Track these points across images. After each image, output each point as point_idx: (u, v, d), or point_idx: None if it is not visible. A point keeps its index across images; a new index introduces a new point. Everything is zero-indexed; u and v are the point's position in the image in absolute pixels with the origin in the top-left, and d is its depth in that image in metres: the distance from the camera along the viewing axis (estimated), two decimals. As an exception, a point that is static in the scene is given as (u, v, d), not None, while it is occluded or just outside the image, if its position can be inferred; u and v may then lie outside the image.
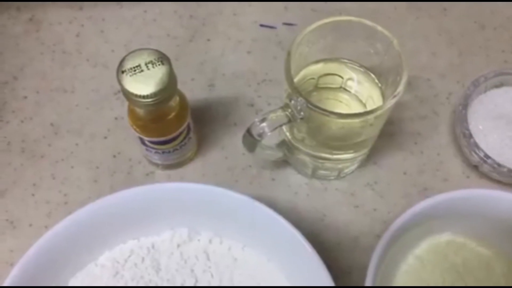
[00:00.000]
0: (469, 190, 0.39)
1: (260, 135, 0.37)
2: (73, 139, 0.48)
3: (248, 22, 0.54)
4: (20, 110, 0.48)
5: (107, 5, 0.54)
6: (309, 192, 0.46)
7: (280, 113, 0.37)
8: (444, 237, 0.41)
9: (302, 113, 0.37)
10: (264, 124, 0.37)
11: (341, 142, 0.41)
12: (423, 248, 0.41)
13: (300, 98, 0.36)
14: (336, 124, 0.38)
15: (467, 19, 0.54)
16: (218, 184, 0.45)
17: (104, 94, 0.49)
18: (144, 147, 0.42)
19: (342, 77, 0.44)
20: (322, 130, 0.40)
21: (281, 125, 0.38)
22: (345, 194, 0.46)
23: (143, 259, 0.37)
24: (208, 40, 0.53)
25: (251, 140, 0.37)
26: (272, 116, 0.37)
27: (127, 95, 0.36)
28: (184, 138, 0.42)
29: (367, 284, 0.34)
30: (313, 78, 0.43)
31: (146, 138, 0.40)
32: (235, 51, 0.52)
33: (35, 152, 0.47)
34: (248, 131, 0.37)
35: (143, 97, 0.35)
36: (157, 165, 0.46)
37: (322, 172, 0.46)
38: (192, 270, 0.37)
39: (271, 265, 0.37)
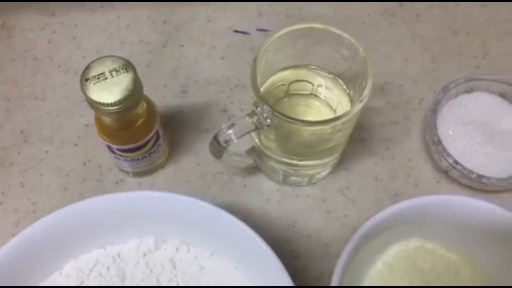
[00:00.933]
0: (435, 196, 0.39)
1: (227, 142, 0.37)
2: (43, 147, 0.47)
3: (222, 28, 0.54)
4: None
5: (80, 11, 0.54)
6: (280, 198, 0.46)
7: (247, 120, 0.37)
8: (412, 243, 0.41)
9: (268, 120, 0.37)
10: (230, 131, 0.37)
11: (310, 149, 0.41)
12: (391, 254, 0.41)
13: (265, 106, 0.36)
14: (304, 131, 0.38)
15: (440, 25, 0.54)
16: (190, 190, 0.46)
17: (75, 101, 0.49)
18: (113, 155, 0.42)
19: (312, 84, 0.44)
20: (290, 137, 0.40)
21: (248, 132, 0.38)
22: (316, 200, 0.46)
23: (108, 268, 0.37)
24: (182, 46, 0.53)
25: (217, 147, 0.37)
26: (239, 123, 0.37)
27: (92, 103, 0.35)
28: (153, 145, 0.42)
29: None
30: (283, 85, 0.43)
31: (114, 146, 0.40)
32: (209, 57, 0.52)
33: (4, 160, 0.46)
34: (215, 138, 0.37)
35: (108, 105, 0.35)
36: (127, 172, 0.45)
37: (293, 178, 0.45)
38: (157, 279, 0.37)
39: (238, 273, 0.37)
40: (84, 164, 0.47)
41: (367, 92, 0.36)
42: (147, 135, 0.40)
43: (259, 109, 0.37)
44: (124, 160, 0.42)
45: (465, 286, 0.39)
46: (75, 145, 0.47)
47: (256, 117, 0.37)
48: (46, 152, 0.47)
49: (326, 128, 0.37)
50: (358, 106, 0.36)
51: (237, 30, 0.53)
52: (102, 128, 0.39)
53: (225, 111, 0.49)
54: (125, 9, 0.54)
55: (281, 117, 0.36)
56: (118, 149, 0.40)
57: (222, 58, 0.52)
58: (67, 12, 0.54)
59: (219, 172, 0.47)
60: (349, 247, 0.36)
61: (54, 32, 0.53)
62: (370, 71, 0.37)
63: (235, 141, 0.37)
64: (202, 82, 0.51)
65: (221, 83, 0.51)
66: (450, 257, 0.40)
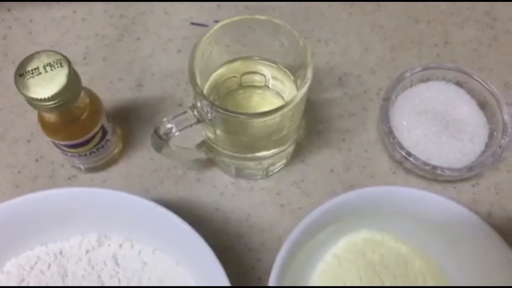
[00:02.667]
0: (383, 187, 0.39)
1: (167, 135, 0.36)
2: (-4, 144, 0.47)
3: (179, 21, 0.53)
4: None
5: (36, 6, 0.53)
6: (235, 192, 0.46)
7: (189, 113, 0.37)
8: (361, 234, 0.40)
9: (209, 115, 0.36)
10: (171, 124, 0.36)
11: (258, 141, 0.40)
12: (340, 246, 0.40)
13: (204, 100, 0.35)
14: (250, 124, 0.38)
15: (401, 14, 0.54)
16: (143, 185, 0.45)
17: (28, 97, 0.48)
18: (59, 151, 0.41)
19: (264, 76, 0.43)
20: (238, 130, 0.39)
21: (190, 125, 0.37)
22: (271, 193, 0.46)
23: (49, 265, 0.37)
24: (138, 39, 0.52)
25: (157, 140, 0.37)
26: (181, 116, 0.37)
27: (27, 99, 0.35)
28: (100, 140, 0.41)
29: (270, 283, 0.34)
30: (235, 76, 0.43)
31: (58, 142, 0.40)
32: (165, 50, 0.51)
33: (-45, 158, 0.46)
34: (155, 131, 0.37)
35: (42, 100, 0.34)
36: (79, 168, 0.45)
37: (247, 171, 0.45)
38: (99, 276, 0.36)
39: (180, 269, 0.37)
40: (37, 160, 0.46)
41: (307, 80, 0.36)
42: (91, 130, 0.39)
43: (199, 103, 0.36)
44: (72, 155, 0.41)
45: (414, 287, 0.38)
46: (28, 141, 0.47)
47: (196, 111, 0.37)
48: (-2, 149, 0.46)
49: (268, 119, 0.37)
50: (298, 95, 0.36)
51: (194, 22, 0.53)
52: (45, 124, 0.39)
53: (180, 104, 0.49)
54: (81, 4, 0.53)
55: (221, 111, 0.35)
56: (63, 145, 0.40)
57: (178, 51, 0.51)
58: (23, 7, 0.53)
59: (172, 166, 0.46)
60: (289, 239, 0.35)
61: (9, 27, 0.52)
62: (310, 61, 0.36)
63: (176, 134, 0.36)
64: (158, 75, 0.50)
65: (177, 77, 0.50)
66: (400, 248, 0.40)
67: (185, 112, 0.37)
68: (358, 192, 0.37)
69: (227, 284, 0.32)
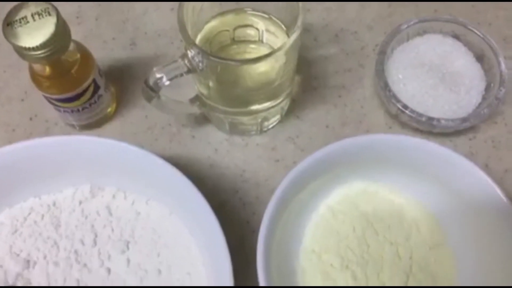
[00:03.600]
0: (376, 135, 0.39)
1: (157, 85, 0.36)
2: (-10, 103, 0.47)
3: (173, -21, 0.52)
4: None
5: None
6: (229, 148, 0.45)
7: (179, 62, 0.36)
8: (356, 186, 0.40)
9: (200, 64, 0.36)
10: (161, 74, 0.36)
11: (251, 93, 0.40)
12: (334, 197, 0.40)
13: (194, 47, 0.35)
14: (242, 73, 0.38)
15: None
16: (138, 143, 0.45)
17: (21, 56, 0.48)
18: (53, 106, 0.41)
19: (257, 29, 0.42)
20: (230, 80, 0.39)
21: (180, 74, 0.37)
22: (266, 149, 0.45)
23: (42, 216, 0.37)
24: (131, -2, 0.51)
25: (148, 91, 0.36)
26: (171, 65, 0.36)
27: (16, 48, 0.35)
28: (92, 95, 0.41)
29: (261, 232, 0.34)
30: (227, 30, 0.42)
31: (49, 96, 0.39)
32: (158, 8, 0.51)
33: (-50, 117, 0.46)
34: (145, 81, 0.36)
35: (30, 49, 0.34)
36: (73, 125, 0.45)
37: (241, 127, 0.45)
38: (92, 226, 0.37)
39: (173, 218, 0.37)
40: (31, 119, 0.46)
41: (297, 27, 0.35)
42: (82, 83, 0.39)
43: (189, 52, 0.36)
44: (64, 111, 0.41)
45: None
46: (22, 100, 0.47)
47: (187, 60, 0.36)
48: (-7, 108, 0.46)
49: (259, 65, 0.36)
50: (288, 42, 0.35)
51: (188, -20, 0.52)
52: (35, 76, 0.38)
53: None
54: (74, -37, 0.52)
55: (212, 58, 0.35)
56: (55, 99, 0.40)
57: (171, 9, 0.51)
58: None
59: (167, 124, 0.46)
60: (280, 187, 0.35)
61: (1, -12, 0.52)
62: (301, 10, 0.35)
63: (166, 83, 0.36)
64: (152, 34, 0.50)
65: (170, 35, 0.50)
66: (394, 199, 0.40)
67: (175, 61, 0.36)
68: (349, 141, 0.37)
69: (219, 229, 0.32)
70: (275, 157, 0.45)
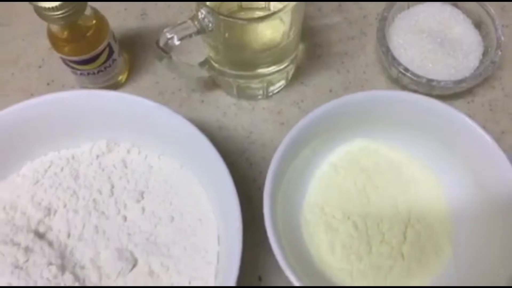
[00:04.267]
0: (377, 91, 0.40)
1: (167, 45, 0.38)
2: (9, 69, 0.49)
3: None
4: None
5: None
6: (237, 112, 0.48)
7: (189, 23, 0.38)
8: (357, 144, 0.42)
9: (210, 24, 0.38)
10: (171, 34, 0.38)
11: (257, 55, 0.42)
12: (337, 155, 0.42)
13: (204, 7, 0.37)
14: (249, 34, 0.39)
15: None
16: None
17: (39, 26, 0.50)
18: (70, 70, 0.44)
19: (264, -4, 0.44)
20: (238, 40, 0.40)
21: (190, 35, 0.39)
22: (272, 112, 0.47)
23: (62, 168, 0.39)
24: (142, -31, 0.53)
25: (158, 51, 0.39)
26: (181, 26, 0.38)
27: (36, 9, 0.37)
28: (107, 59, 0.43)
29: (266, 186, 0.36)
30: (234, -3, 0.44)
31: (66, 58, 0.42)
32: (169, -20, 0.53)
33: (-30, 83, 0.48)
34: (157, 42, 0.38)
35: (50, 9, 0.36)
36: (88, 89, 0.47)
37: (249, 91, 0.47)
38: (109, 177, 0.39)
39: (184, 170, 0.39)
40: (48, 84, 0.48)
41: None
42: (97, 46, 0.41)
43: (199, 12, 0.38)
44: (81, 74, 0.44)
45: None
46: (40, 67, 0.49)
47: (197, 21, 0.38)
48: (12, 74, 0.49)
49: (265, 24, 0.38)
50: (292, 3, 0.37)
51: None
52: (53, 39, 0.41)
53: (184, 32, 0.50)
54: None
55: (221, 17, 0.37)
56: (72, 61, 0.42)
57: (181, -20, 0.53)
58: None
59: (177, 89, 0.48)
60: (286, 139, 0.37)
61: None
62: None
63: (177, 43, 0.38)
64: (162, 4, 0.52)
65: (180, 5, 0.52)
66: (393, 156, 0.42)
67: (185, 22, 0.38)
68: (350, 97, 0.39)
69: (229, 178, 0.34)
70: (280, 120, 0.47)
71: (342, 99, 0.39)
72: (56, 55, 0.49)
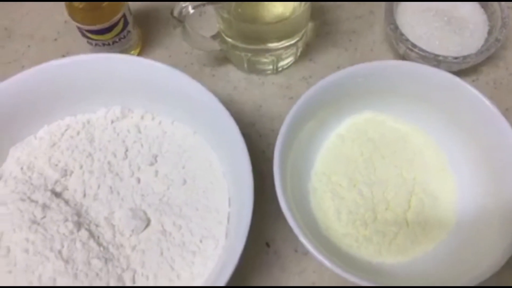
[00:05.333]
0: (382, 61, 0.41)
1: (181, 13, 0.39)
2: (25, 42, 0.50)
3: None
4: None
5: None
6: (247, 86, 0.49)
7: (204, -8, 0.40)
8: (364, 115, 0.43)
9: None
10: (186, 3, 0.39)
11: (268, 27, 0.43)
12: (344, 126, 0.43)
13: (219, -24, 0.38)
14: (260, 6, 0.41)
15: None
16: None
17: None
18: (86, 40, 0.45)
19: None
20: (249, 11, 0.42)
21: (203, 4, 0.40)
22: (281, 87, 0.49)
23: (78, 132, 0.40)
24: None
25: (173, 19, 0.40)
26: (196, -5, 0.40)
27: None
28: (122, 30, 0.45)
29: (275, 156, 0.37)
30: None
31: (83, 27, 0.43)
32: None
33: (-12, 54, 0.50)
34: (172, 11, 0.40)
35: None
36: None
37: (259, 66, 0.48)
38: (123, 141, 0.40)
39: (197, 136, 0.40)
40: (63, 56, 0.50)
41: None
42: (113, 16, 0.43)
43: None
44: (96, 44, 0.45)
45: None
46: (55, 40, 0.50)
47: (210, -10, 0.39)
48: (28, 46, 0.50)
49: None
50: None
51: None
52: (72, 9, 0.42)
53: (196, 8, 0.52)
54: None
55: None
56: (87, 31, 0.43)
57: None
58: None
59: (189, 63, 0.50)
60: (294, 108, 0.38)
61: None
62: None
63: (191, 11, 0.39)
64: (175, -19, 0.53)
65: (193, -17, 0.53)
66: (399, 127, 0.43)
67: (200, -8, 0.39)
68: (355, 68, 0.40)
69: (242, 142, 0.35)
70: (289, 95, 0.48)
71: (348, 70, 0.40)
72: (71, 29, 0.50)
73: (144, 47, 0.50)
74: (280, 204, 0.35)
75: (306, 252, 0.42)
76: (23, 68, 0.49)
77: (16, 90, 0.38)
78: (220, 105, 0.37)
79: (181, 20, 0.40)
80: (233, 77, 0.49)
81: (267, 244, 0.42)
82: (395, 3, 0.48)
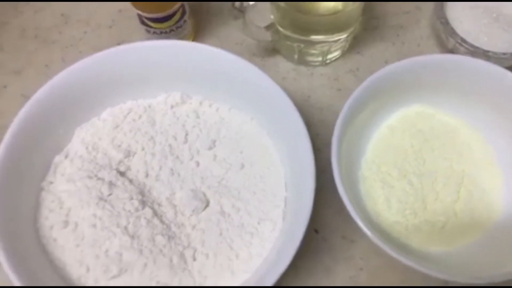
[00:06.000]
0: (435, 55, 0.42)
1: (242, 4, 0.41)
2: (82, 28, 0.52)
3: None
4: (33, 2, 0.53)
5: None
6: (296, 77, 0.50)
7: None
8: (414, 108, 0.44)
9: None
10: (246, -6, 0.41)
11: (322, 19, 0.44)
12: (394, 118, 0.44)
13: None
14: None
15: None
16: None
17: (109, -11, 0.53)
18: (144, 28, 0.46)
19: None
20: (306, 4, 0.43)
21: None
22: (329, 78, 0.50)
23: (140, 116, 0.42)
24: None
25: (234, 11, 0.41)
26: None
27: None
28: (180, 19, 0.46)
29: (334, 143, 0.38)
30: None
31: (144, 15, 0.44)
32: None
33: (46, 38, 0.51)
34: (232, 4, 0.41)
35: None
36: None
37: (308, 58, 0.49)
38: (183, 125, 0.42)
39: (254, 123, 0.42)
40: (119, 43, 0.51)
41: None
42: (174, 5, 0.44)
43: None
44: (154, 32, 0.46)
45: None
46: (110, 27, 0.52)
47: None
48: (85, 32, 0.52)
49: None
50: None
51: None
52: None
53: (246, 0, 0.53)
54: None
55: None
56: (148, 18, 0.45)
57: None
58: None
59: (240, 53, 0.50)
60: (350, 100, 0.39)
61: None
62: None
63: (251, 3, 0.41)
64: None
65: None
66: (448, 121, 0.44)
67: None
68: (409, 61, 0.41)
69: (303, 125, 0.36)
70: (337, 86, 0.49)
71: (400, 63, 0.41)
72: (125, 17, 0.52)
73: (197, 37, 0.51)
74: (338, 191, 0.36)
75: (353, 239, 0.43)
76: (80, 53, 0.51)
77: (84, 73, 0.40)
78: (283, 93, 0.38)
79: (242, 10, 0.41)
80: (282, 67, 0.50)
81: (316, 231, 0.43)
82: (444, -1, 0.49)
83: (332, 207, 0.44)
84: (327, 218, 0.44)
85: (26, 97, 0.49)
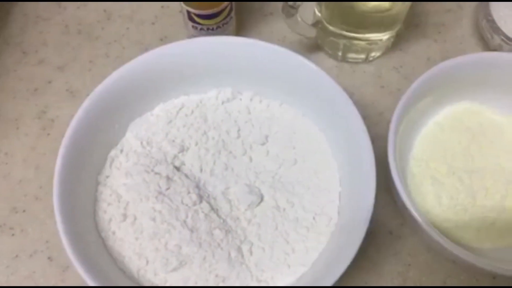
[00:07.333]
0: (484, 53, 0.42)
1: (295, 3, 0.41)
2: (124, 24, 0.52)
3: None
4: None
5: None
6: (339, 74, 0.50)
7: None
8: (462, 105, 0.45)
9: None
10: (300, -8, 0.41)
11: (365, 16, 0.44)
12: (442, 115, 0.44)
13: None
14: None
15: None
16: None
17: (152, -14, 0.54)
18: (190, 24, 0.47)
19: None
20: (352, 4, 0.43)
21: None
22: (372, 76, 0.50)
23: (192, 111, 0.42)
24: None
25: (288, 8, 0.42)
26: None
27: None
28: (227, 16, 0.46)
29: (390, 138, 0.38)
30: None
31: (194, 11, 0.45)
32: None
33: (90, 34, 0.52)
34: (286, 1, 0.41)
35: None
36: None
37: (352, 55, 0.50)
38: (235, 121, 0.42)
39: (306, 119, 0.42)
40: (161, 40, 0.52)
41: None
42: (223, 2, 0.44)
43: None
44: (201, 29, 0.47)
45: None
46: (153, 23, 0.52)
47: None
48: (127, 28, 0.52)
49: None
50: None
51: None
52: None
53: (288, -2, 0.53)
54: None
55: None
56: (197, 15, 0.45)
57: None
58: None
59: (282, 50, 0.51)
60: (402, 100, 0.40)
61: None
62: None
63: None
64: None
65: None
66: (495, 118, 0.44)
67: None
68: (461, 59, 0.41)
69: (363, 127, 0.37)
70: (380, 84, 0.50)
71: (453, 61, 0.41)
72: (168, 14, 0.52)
73: (239, 33, 0.52)
74: (396, 187, 0.37)
75: (400, 235, 0.44)
76: (123, 49, 0.51)
77: (137, 70, 0.40)
78: (340, 88, 0.38)
79: (295, 7, 0.41)
80: (325, 64, 0.51)
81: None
82: (488, -3, 0.49)
83: (379, 202, 0.44)
84: (374, 213, 0.44)
85: (71, 92, 0.50)
